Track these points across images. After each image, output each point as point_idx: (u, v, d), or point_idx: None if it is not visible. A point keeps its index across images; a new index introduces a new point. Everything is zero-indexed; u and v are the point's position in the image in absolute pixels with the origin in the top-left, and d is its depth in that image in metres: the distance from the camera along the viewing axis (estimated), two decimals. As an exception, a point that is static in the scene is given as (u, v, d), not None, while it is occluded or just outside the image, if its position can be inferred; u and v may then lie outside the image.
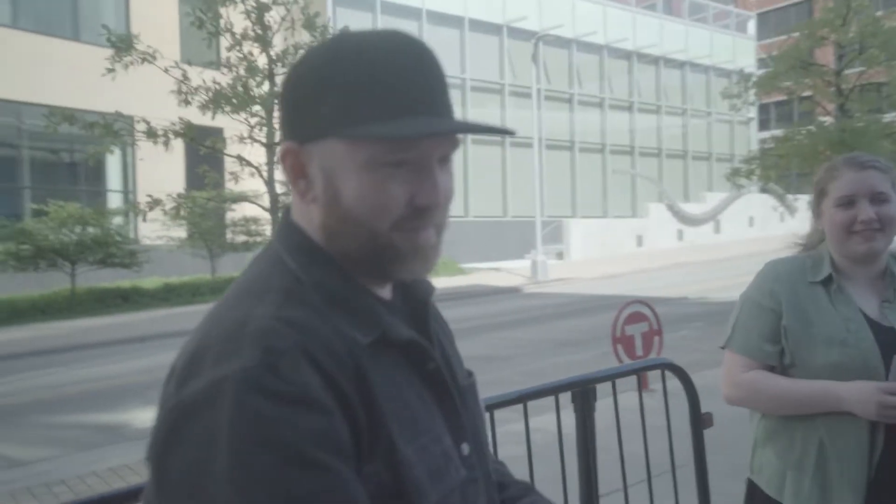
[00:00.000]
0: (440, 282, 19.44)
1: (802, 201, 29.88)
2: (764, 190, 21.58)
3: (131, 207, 14.89)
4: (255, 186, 13.34)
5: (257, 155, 12.25)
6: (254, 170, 10.63)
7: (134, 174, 18.79)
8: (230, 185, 12.18)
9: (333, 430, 0.80)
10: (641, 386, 2.74)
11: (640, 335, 7.14)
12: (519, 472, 2.32)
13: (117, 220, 17.00)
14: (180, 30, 17.17)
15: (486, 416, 2.23)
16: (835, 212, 1.93)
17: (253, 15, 6.69)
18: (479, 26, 25.36)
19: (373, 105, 0.86)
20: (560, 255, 24.45)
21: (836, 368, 1.85)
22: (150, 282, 16.99)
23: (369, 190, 0.87)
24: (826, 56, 17.49)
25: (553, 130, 26.76)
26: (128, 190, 18.84)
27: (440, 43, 23.99)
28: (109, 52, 9.57)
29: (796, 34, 17.49)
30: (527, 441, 2.38)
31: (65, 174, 18.69)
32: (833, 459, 1.89)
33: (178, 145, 13.64)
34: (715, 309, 12.49)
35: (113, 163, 18.83)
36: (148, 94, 13.59)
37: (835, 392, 1.85)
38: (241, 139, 8.42)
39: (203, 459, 0.77)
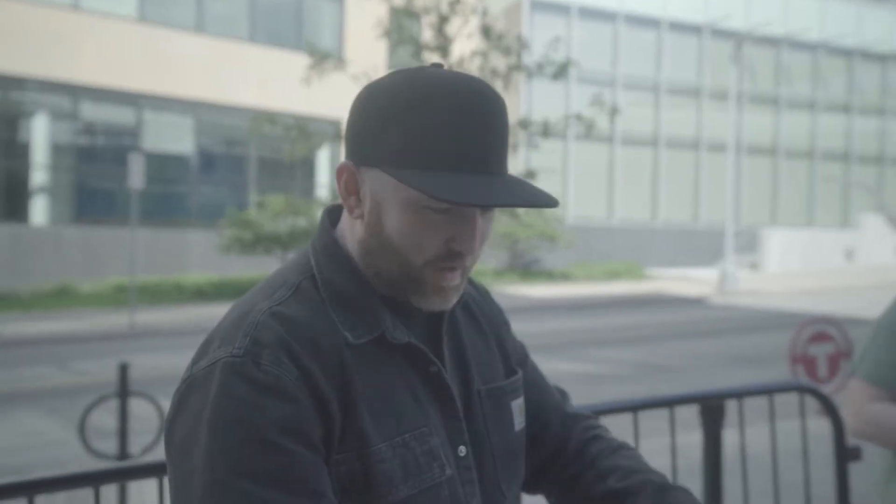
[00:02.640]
0: (622, 287, 18.88)
1: None
2: None
3: (317, 202, 15.87)
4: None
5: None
6: None
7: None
8: None
9: (299, 418, 0.86)
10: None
11: (824, 357, 6.50)
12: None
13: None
14: (388, 41, 18.31)
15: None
16: None
17: (435, 27, 6.95)
18: (678, 27, 24.26)
19: (431, 153, 0.87)
20: (754, 266, 22.77)
21: None
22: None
23: (409, 228, 0.92)
24: None
25: (754, 134, 24.98)
26: (333, 186, 20.29)
27: (635, 45, 23.33)
28: (321, 61, 10.31)
29: None
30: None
31: (283, 170, 20.49)
32: None
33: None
34: None
35: (322, 161, 20.39)
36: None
37: None
38: None
39: (193, 428, 0.86)
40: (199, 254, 18.24)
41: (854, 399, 1.90)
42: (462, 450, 1.00)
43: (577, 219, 22.44)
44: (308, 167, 20.46)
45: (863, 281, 20.38)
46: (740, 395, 2.34)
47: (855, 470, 2.48)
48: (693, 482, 2.42)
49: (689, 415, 2.51)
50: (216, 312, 14.16)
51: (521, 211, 14.07)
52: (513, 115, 7.59)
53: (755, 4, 25.10)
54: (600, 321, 13.62)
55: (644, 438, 2.41)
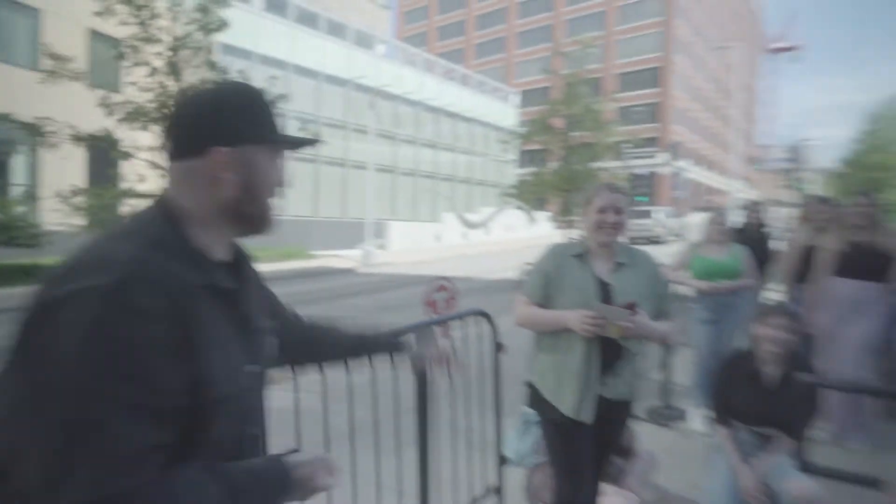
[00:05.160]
0: (294, 264, 18.64)
1: (541, 215, 32.43)
2: (518, 207, 23.31)
3: (30, 197, 12.72)
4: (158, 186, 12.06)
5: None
6: (163, 172, 9.54)
7: (38, 172, 16.09)
8: (136, 185, 10.90)
9: (165, 338, 0.81)
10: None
11: (443, 301, 7.49)
12: (364, 403, 2.38)
13: (21, 209, 14.50)
14: (90, 58, 14.99)
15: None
16: (595, 214, 2.07)
17: (166, 56, 6.17)
18: (331, 79, 24.70)
19: (277, 124, 1.00)
20: (382, 247, 24.53)
21: (573, 306, 2.03)
22: (49, 260, 14.67)
23: (271, 174, 1.00)
24: (560, 123, 18.94)
25: (381, 157, 26.80)
26: (33, 185, 16.14)
27: (302, 89, 23.13)
28: (17, 69, 8.06)
29: (542, 107, 18.93)
30: (372, 380, 2.28)
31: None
32: (568, 363, 2.05)
33: (80, 152, 11.96)
34: (487, 285, 12.88)
35: (18, 162, 16.02)
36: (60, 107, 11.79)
37: (561, 315, 2.03)
38: (151, 148, 7.68)
39: (65, 340, 0.76)
40: None
41: (518, 305, 2.17)
42: (255, 368, 1.00)
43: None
44: (1, 167, 15.83)
45: (446, 255, 23.35)
46: (447, 319, 2.75)
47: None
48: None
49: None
50: None
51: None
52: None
53: (382, 70, 26.80)
54: (282, 290, 13.20)
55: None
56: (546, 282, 2.11)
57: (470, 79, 34.45)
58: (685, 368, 4.79)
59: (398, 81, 27.41)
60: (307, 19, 24.33)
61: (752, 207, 5.67)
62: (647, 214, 27.36)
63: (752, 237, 5.29)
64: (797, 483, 2.44)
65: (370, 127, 21.16)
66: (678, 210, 35.19)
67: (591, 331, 1.96)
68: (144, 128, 8.67)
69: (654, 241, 24.95)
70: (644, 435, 3.63)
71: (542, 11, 54.81)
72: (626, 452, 2.93)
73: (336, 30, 25.62)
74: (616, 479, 2.75)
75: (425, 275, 14.37)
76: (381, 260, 19.65)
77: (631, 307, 1.96)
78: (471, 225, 30.39)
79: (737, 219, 5.88)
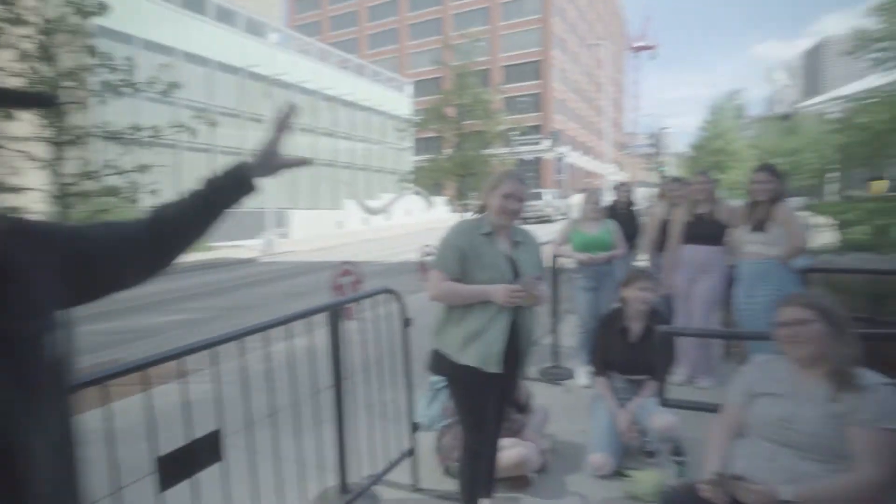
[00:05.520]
0: (192, 257, 17.49)
1: (438, 200, 32.99)
2: (416, 192, 23.51)
3: None
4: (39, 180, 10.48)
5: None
6: (41, 164, 8.35)
7: None
8: (8, 178, 9.40)
9: None
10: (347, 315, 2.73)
11: (349, 284, 7.50)
12: (283, 386, 2.37)
13: None
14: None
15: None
16: (500, 199, 2.19)
17: (37, 39, 5.43)
18: (224, 67, 23.10)
19: None
20: (285, 235, 23.72)
21: (490, 280, 2.16)
22: None
23: None
24: (452, 112, 19.39)
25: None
26: None
27: (192, 77, 21.45)
28: None
29: (435, 97, 19.25)
30: (289, 353, 2.43)
31: None
32: (489, 329, 2.17)
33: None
34: (389, 267, 12.93)
35: None
36: None
37: (485, 289, 2.15)
38: (25, 138, 6.72)
39: None
40: None
41: (432, 280, 2.21)
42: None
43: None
44: None
45: (348, 241, 23.12)
46: (358, 299, 2.78)
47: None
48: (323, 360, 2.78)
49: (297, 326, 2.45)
50: None
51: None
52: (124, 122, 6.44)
53: (276, 59, 25.54)
54: (185, 282, 12.58)
55: (293, 339, 2.54)
56: (462, 258, 2.17)
57: (365, 69, 33.95)
58: (571, 333, 5.20)
59: (293, 70, 26.35)
60: (194, 4, 22.49)
61: (622, 188, 6.21)
62: (538, 196, 28.97)
63: (622, 213, 5.82)
64: (659, 417, 2.81)
65: (266, 116, 20.15)
66: (563, 192, 37.41)
67: (514, 302, 2.08)
68: (8, 116, 7.53)
69: (544, 220, 26.36)
70: (538, 393, 3.95)
71: (431, 5, 54.99)
72: (525, 408, 3.20)
73: (225, 16, 23.97)
74: (517, 433, 2.99)
75: (329, 261, 14.24)
76: (283, 249, 19.15)
77: (539, 279, 2.18)
78: (371, 211, 30.14)
79: (609, 198, 6.41)
